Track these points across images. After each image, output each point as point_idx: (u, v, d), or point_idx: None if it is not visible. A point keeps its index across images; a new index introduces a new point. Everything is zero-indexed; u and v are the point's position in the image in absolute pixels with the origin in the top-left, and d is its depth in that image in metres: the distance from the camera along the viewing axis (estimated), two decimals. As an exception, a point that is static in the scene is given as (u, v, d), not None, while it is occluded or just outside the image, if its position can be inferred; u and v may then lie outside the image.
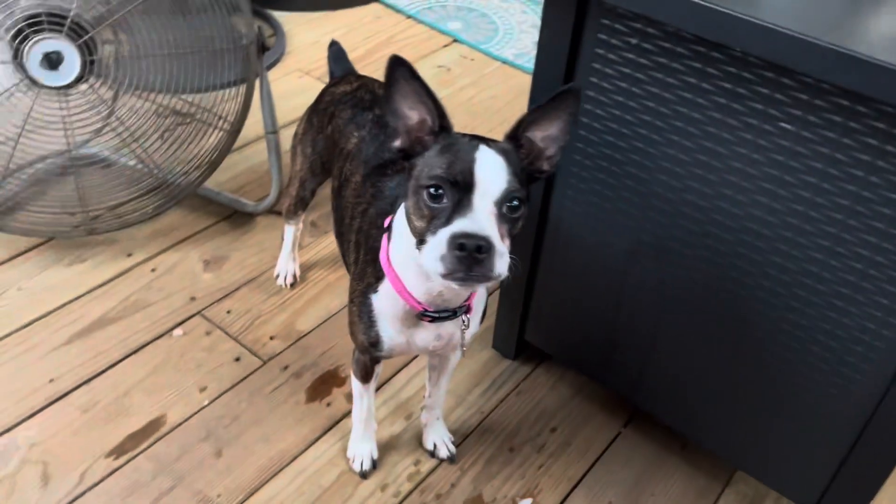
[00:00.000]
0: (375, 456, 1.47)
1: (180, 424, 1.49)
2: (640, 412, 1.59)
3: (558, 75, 1.25)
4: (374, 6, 2.89)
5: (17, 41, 1.56)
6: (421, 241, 0.96)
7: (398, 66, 0.95)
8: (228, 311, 1.72)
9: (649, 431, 1.56)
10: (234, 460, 1.44)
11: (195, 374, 1.58)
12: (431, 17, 2.86)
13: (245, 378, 1.59)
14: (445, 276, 0.92)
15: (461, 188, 0.93)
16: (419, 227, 0.97)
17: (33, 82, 1.60)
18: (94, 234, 1.82)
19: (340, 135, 1.41)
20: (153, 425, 1.48)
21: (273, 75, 2.45)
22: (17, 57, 1.56)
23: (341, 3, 2.84)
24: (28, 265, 1.78)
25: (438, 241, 0.92)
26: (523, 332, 1.61)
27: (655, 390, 1.45)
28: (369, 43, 2.67)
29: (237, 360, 1.62)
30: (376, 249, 1.14)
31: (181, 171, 1.87)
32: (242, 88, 1.80)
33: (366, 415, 1.42)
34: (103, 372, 1.56)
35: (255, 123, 1.91)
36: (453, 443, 1.49)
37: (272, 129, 1.88)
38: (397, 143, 1.01)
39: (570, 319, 1.50)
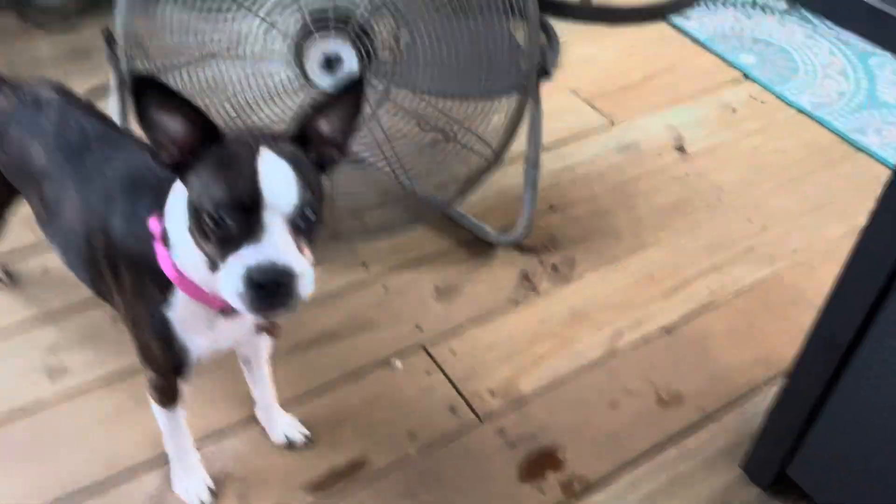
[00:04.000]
0: (210, 484, 1.32)
1: (382, 472, 1.39)
2: None
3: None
4: (661, 26, 2.63)
5: (298, 39, 1.51)
6: (213, 264, 0.89)
7: (143, 83, 0.85)
8: (453, 352, 1.60)
9: None
10: (430, 531, 1.32)
11: (407, 416, 1.48)
12: (723, 46, 2.55)
13: (457, 435, 1.46)
14: (248, 311, 0.88)
15: (247, 208, 0.85)
16: (207, 251, 0.90)
17: (307, 82, 1.55)
18: (336, 240, 1.77)
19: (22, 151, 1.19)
20: (355, 466, 1.39)
21: (539, 90, 2.29)
22: (298, 56, 1.51)
23: (626, 17, 2.61)
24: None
25: (232, 275, 0.86)
26: (787, 463, 1.34)
27: None
28: (648, 67, 2.42)
29: (452, 410, 1.50)
30: (147, 259, 1.01)
31: (434, 187, 1.76)
32: (511, 112, 1.65)
33: (184, 441, 1.29)
34: (321, 393, 1.50)
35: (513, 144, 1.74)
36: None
37: (534, 164, 1.72)
38: (164, 158, 0.90)
39: (860, 475, 1.21)
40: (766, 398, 1.54)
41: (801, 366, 1.24)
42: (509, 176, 2.00)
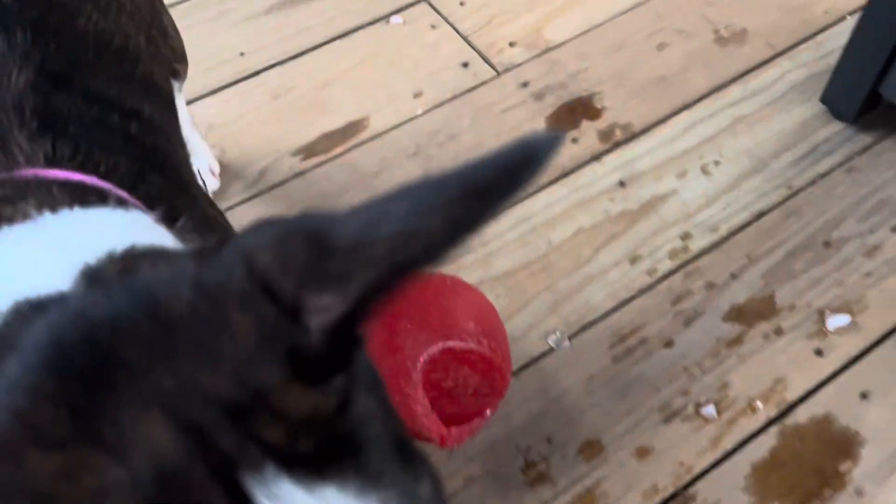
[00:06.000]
0: None
1: (385, 133, 1.16)
2: None
3: None
4: None
5: None
6: None
7: None
8: (462, 3, 1.32)
9: None
10: (443, 187, 1.10)
11: (411, 74, 1.23)
12: None
13: (472, 89, 1.21)
14: None
15: None
16: None
17: None
18: None
19: None
20: (353, 128, 1.17)
21: None
22: None
23: None
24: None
25: None
26: (880, 82, 1.07)
27: None
28: None
29: (465, 65, 1.24)
30: None
31: None
32: None
33: None
34: (303, 54, 1.25)
35: None
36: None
37: None
38: None
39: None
40: (849, 29, 1.25)
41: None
42: None
